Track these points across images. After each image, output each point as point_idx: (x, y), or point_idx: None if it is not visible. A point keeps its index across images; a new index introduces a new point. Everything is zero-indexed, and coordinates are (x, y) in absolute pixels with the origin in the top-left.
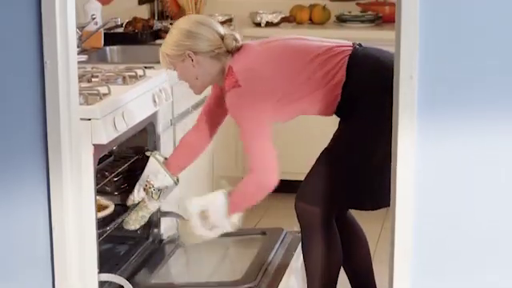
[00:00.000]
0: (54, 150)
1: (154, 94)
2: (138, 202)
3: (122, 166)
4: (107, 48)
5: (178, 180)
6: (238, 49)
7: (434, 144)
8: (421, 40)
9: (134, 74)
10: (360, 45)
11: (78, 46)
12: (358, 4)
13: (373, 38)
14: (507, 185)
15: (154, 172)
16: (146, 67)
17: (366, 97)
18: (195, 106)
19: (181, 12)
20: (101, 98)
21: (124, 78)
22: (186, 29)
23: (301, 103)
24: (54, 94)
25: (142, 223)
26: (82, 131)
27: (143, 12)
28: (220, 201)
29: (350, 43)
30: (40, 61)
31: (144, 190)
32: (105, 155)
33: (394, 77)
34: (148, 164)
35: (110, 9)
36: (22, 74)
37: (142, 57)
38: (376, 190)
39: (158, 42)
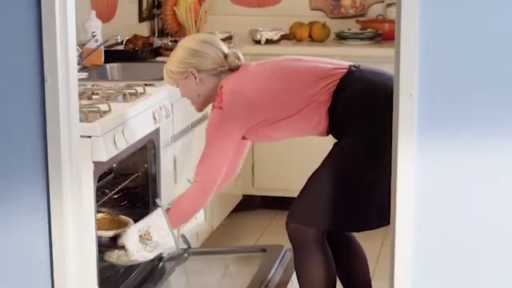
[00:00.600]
0: (54, 167)
1: (154, 112)
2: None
3: (122, 184)
4: (107, 65)
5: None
6: (238, 67)
7: (433, 161)
8: (420, 57)
9: (134, 91)
10: (357, 66)
11: (78, 64)
12: (357, 21)
13: (372, 55)
14: (506, 201)
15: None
16: (146, 84)
17: (353, 120)
18: (195, 124)
19: (181, 30)
20: (101, 116)
21: (124, 95)
22: (190, 47)
23: (285, 124)
24: (54, 112)
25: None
26: (83, 148)
27: (143, 29)
28: (159, 218)
29: (347, 65)
30: (40, 78)
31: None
32: (105, 172)
33: (394, 94)
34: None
35: (111, 26)
36: (23, 91)
37: (142, 74)
38: (368, 209)
39: (158, 59)
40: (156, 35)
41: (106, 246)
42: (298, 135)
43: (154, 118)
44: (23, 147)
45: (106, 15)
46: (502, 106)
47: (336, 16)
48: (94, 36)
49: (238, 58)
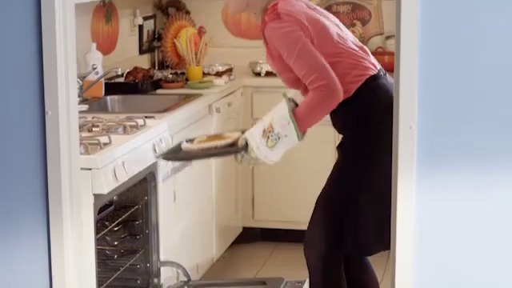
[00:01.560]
0: (54, 199)
1: (154, 144)
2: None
3: (122, 216)
4: (108, 97)
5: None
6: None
7: (433, 193)
8: (420, 90)
9: (134, 123)
10: (384, 73)
11: (78, 96)
12: None
13: None
14: (506, 237)
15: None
16: (146, 117)
17: (363, 124)
18: None
19: (181, 62)
20: (101, 148)
21: (125, 127)
22: None
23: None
24: (54, 144)
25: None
26: (83, 181)
27: (144, 62)
28: (282, 106)
29: (378, 65)
30: (41, 110)
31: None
32: (105, 204)
33: (394, 126)
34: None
35: (111, 58)
36: (24, 123)
37: (142, 106)
38: (366, 232)
39: (158, 91)
40: (156, 67)
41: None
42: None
43: (155, 151)
44: (23, 179)
45: (106, 47)
46: (504, 141)
47: None
48: (95, 68)
49: None
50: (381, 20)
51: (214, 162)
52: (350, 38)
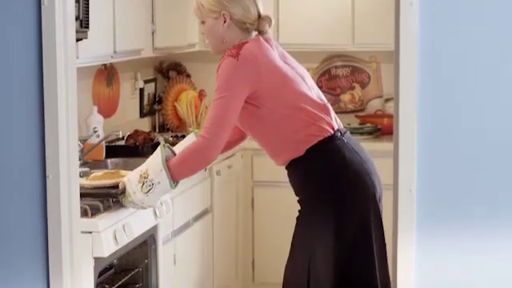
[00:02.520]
0: (54, 262)
1: (154, 207)
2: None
3: (122, 279)
4: (108, 160)
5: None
6: (265, 37)
7: (433, 254)
8: (419, 153)
9: None
10: (342, 133)
11: (79, 159)
12: (356, 116)
13: (372, 149)
14: None
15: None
16: None
17: (313, 188)
18: (196, 218)
19: (182, 125)
20: (102, 211)
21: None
22: None
23: (271, 113)
24: (55, 207)
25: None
26: (83, 244)
27: (144, 125)
28: (156, 154)
29: (336, 126)
30: (42, 173)
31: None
32: (105, 268)
33: (393, 189)
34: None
35: (112, 121)
36: (25, 186)
37: None
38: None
39: None
40: (157, 130)
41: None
42: (271, 141)
43: (155, 213)
44: (24, 243)
45: (107, 111)
46: (504, 204)
47: (335, 111)
48: (96, 131)
49: (270, 24)
50: (380, 83)
51: (214, 224)
52: (313, 94)
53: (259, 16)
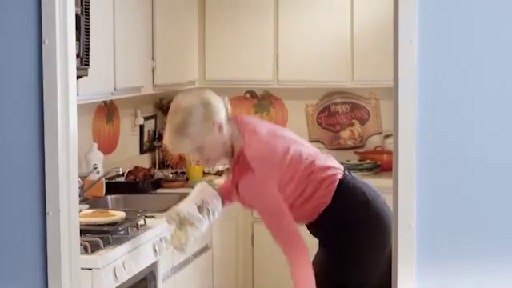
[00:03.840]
0: None
1: (154, 244)
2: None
3: None
4: (108, 197)
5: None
6: (246, 129)
7: None
8: (418, 188)
9: (134, 223)
10: (349, 172)
11: (79, 196)
12: (356, 153)
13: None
14: None
15: (211, 195)
16: (146, 216)
17: (344, 226)
18: (196, 255)
19: (182, 161)
20: (102, 248)
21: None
22: (205, 101)
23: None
24: (55, 244)
25: (190, 242)
26: (83, 281)
27: (144, 161)
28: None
29: (341, 167)
30: (42, 211)
31: (199, 207)
32: None
33: (393, 225)
34: (203, 189)
35: (112, 158)
36: (24, 224)
37: (143, 206)
38: None
39: (159, 191)
40: (157, 167)
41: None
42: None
43: (155, 250)
44: (24, 280)
45: (107, 147)
46: (500, 237)
47: (335, 147)
48: (96, 168)
49: (229, 103)
50: (379, 119)
51: (214, 261)
52: (311, 151)
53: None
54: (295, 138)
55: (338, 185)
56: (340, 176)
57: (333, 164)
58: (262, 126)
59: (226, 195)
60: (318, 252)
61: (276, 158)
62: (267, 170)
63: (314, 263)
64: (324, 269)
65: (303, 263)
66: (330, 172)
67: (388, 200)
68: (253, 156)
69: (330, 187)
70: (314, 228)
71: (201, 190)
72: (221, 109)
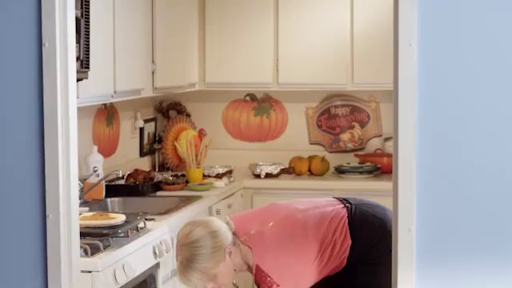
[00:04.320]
0: None
1: (154, 246)
2: None
3: None
4: (108, 200)
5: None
6: (246, 237)
7: None
8: (418, 192)
9: (134, 226)
10: (347, 201)
11: (79, 198)
12: (356, 155)
13: (371, 188)
14: None
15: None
16: (146, 219)
17: (373, 254)
18: None
19: (181, 164)
20: (101, 251)
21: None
22: (211, 231)
23: (314, 271)
24: (55, 247)
25: None
26: (83, 283)
27: (144, 164)
28: None
29: (338, 202)
30: (42, 213)
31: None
32: None
33: (393, 228)
34: None
35: (112, 161)
36: (24, 227)
37: (143, 208)
38: None
39: (158, 193)
40: (157, 170)
41: None
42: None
43: (155, 253)
44: (24, 282)
45: (107, 150)
46: (500, 242)
47: (335, 150)
48: (96, 171)
49: (232, 224)
50: (379, 122)
51: None
52: (311, 212)
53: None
54: (284, 211)
55: (350, 224)
56: (346, 216)
57: (332, 211)
58: (252, 223)
59: None
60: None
61: (290, 254)
62: (290, 278)
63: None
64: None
65: None
66: (334, 222)
67: (388, 203)
68: (270, 269)
69: (343, 234)
70: (348, 268)
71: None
72: (227, 233)
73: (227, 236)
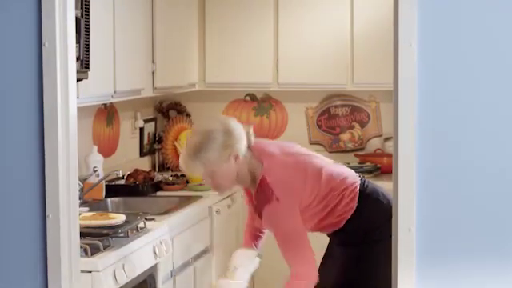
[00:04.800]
0: None
1: (154, 246)
2: None
3: None
4: (108, 200)
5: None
6: (261, 153)
7: None
8: (418, 192)
9: (134, 226)
10: (363, 176)
11: (79, 198)
12: (356, 155)
13: None
14: None
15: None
16: (146, 219)
17: (373, 226)
18: (195, 258)
19: None
20: (101, 251)
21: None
22: (228, 129)
23: (314, 214)
24: (55, 247)
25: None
26: (83, 283)
27: (144, 164)
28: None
29: (355, 174)
30: (42, 213)
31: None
32: None
33: (393, 229)
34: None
35: (112, 161)
36: (24, 227)
37: (142, 208)
38: None
39: (158, 193)
40: (157, 170)
41: None
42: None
43: (155, 253)
44: (23, 282)
45: (107, 150)
46: (500, 242)
47: (335, 150)
48: (96, 171)
49: (253, 135)
50: (379, 122)
51: (214, 263)
52: (330, 165)
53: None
54: (306, 152)
55: (360, 190)
56: (359, 182)
57: (348, 173)
58: (273, 146)
59: (255, 237)
60: (332, 251)
61: (297, 180)
62: (291, 196)
63: (330, 258)
64: (344, 264)
65: (310, 277)
66: (348, 181)
67: None
68: (275, 182)
69: (352, 195)
70: (341, 233)
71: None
72: (242, 139)
73: (240, 140)
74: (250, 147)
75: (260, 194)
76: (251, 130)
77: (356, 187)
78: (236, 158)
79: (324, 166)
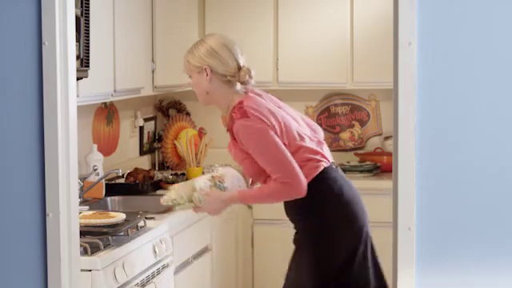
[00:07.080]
0: None
1: (154, 245)
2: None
3: None
4: (108, 198)
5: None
6: (255, 91)
7: None
8: (418, 191)
9: (134, 224)
10: (337, 167)
11: (79, 197)
12: (356, 154)
13: (371, 187)
14: None
15: (234, 176)
16: (146, 218)
17: (314, 213)
18: (195, 256)
19: (181, 163)
20: (101, 249)
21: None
22: (211, 46)
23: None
24: (55, 245)
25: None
26: (83, 282)
27: (144, 163)
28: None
29: (331, 159)
30: (42, 212)
31: (212, 177)
32: None
33: (393, 227)
34: (231, 170)
35: (112, 160)
36: (24, 225)
37: (142, 207)
38: None
39: (158, 192)
40: (157, 168)
41: None
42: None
43: (155, 252)
44: (23, 282)
45: (107, 149)
46: (500, 242)
47: (335, 149)
48: (96, 170)
49: (250, 75)
50: (379, 121)
51: (214, 262)
52: (307, 132)
53: (239, 68)
54: (293, 113)
55: (321, 171)
56: (325, 164)
57: (323, 152)
58: (267, 99)
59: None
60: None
61: (273, 118)
62: (265, 116)
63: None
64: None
65: (284, 192)
66: (317, 156)
67: (387, 202)
68: (251, 105)
69: (312, 170)
70: (287, 208)
71: (230, 171)
72: (230, 67)
73: (226, 65)
74: (243, 84)
75: (232, 113)
76: (252, 72)
77: (318, 166)
78: (207, 74)
79: (304, 132)
